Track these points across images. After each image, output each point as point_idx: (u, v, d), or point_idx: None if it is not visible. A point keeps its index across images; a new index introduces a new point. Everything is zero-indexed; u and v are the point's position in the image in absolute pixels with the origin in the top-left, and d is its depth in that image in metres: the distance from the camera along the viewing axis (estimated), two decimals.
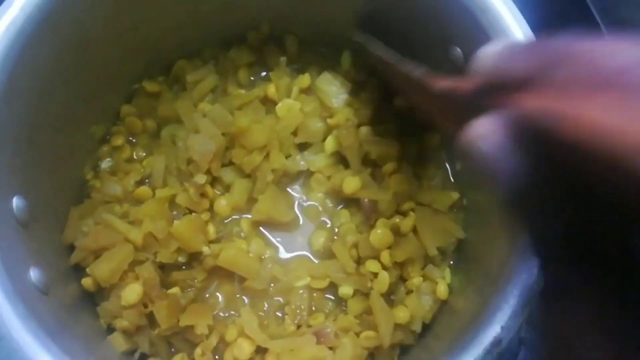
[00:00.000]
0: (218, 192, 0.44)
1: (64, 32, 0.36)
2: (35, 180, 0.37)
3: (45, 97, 0.36)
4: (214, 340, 0.40)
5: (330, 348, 0.39)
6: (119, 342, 0.39)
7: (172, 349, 0.41)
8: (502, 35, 0.33)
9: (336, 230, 0.44)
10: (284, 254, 0.44)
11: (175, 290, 0.41)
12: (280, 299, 0.42)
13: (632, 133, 0.14)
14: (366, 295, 0.41)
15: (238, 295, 0.42)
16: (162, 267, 0.42)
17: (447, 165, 0.46)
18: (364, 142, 0.43)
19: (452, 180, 0.45)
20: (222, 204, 0.43)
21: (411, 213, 0.43)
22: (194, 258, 0.42)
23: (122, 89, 0.46)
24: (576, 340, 0.17)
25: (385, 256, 0.41)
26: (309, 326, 0.41)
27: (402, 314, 0.40)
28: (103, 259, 0.39)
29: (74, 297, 0.40)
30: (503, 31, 0.33)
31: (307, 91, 0.46)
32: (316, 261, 0.44)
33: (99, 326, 0.40)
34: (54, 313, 0.34)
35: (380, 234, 0.41)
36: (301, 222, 0.45)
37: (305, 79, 0.46)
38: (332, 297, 0.43)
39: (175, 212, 0.43)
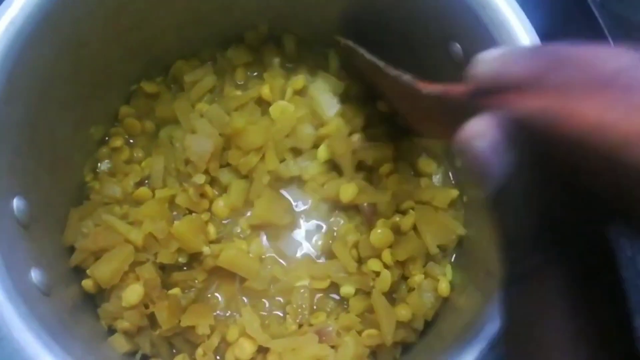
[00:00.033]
0: (216, 193, 0.44)
1: (63, 32, 0.36)
2: (35, 181, 0.37)
3: (45, 97, 0.36)
4: (215, 341, 0.40)
5: (332, 347, 0.39)
6: (120, 344, 0.39)
7: (174, 350, 0.41)
8: (502, 30, 0.33)
9: (335, 230, 0.44)
10: (283, 255, 0.44)
11: (176, 290, 0.41)
12: (281, 299, 0.42)
13: (627, 126, 0.14)
14: (368, 293, 0.41)
15: (239, 296, 0.42)
16: (163, 268, 0.41)
17: (447, 163, 0.46)
18: (356, 150, 0.43)
19: (452, 177, 0.45)
20: (220, 205, 0.43)
21: (411, 211, 0.43)
22: (195, 258, 0.42)
23: (121, 90, 0.46)
24: (536, 323, 0.18)
25: (386, 255, 0.41)
26: (311, 325, 0.41)
27: (404, 312, 0.40)
28: (103, 260, 0.39)
29: (75, 298, 0.39)
30: (504, 26, 0.33)
31: (301, 92, 0.46)
32: (317, 261, 0.43)
33: (100, 328, 0.40)
34: (56, 314, 0.34)
35: (380, 233, 0.41)
36: (299, 224, 0.45)
37: (299, 81, 0.46)
38: (334, 296, 0.43)
39: (175, 213, 0.43)
